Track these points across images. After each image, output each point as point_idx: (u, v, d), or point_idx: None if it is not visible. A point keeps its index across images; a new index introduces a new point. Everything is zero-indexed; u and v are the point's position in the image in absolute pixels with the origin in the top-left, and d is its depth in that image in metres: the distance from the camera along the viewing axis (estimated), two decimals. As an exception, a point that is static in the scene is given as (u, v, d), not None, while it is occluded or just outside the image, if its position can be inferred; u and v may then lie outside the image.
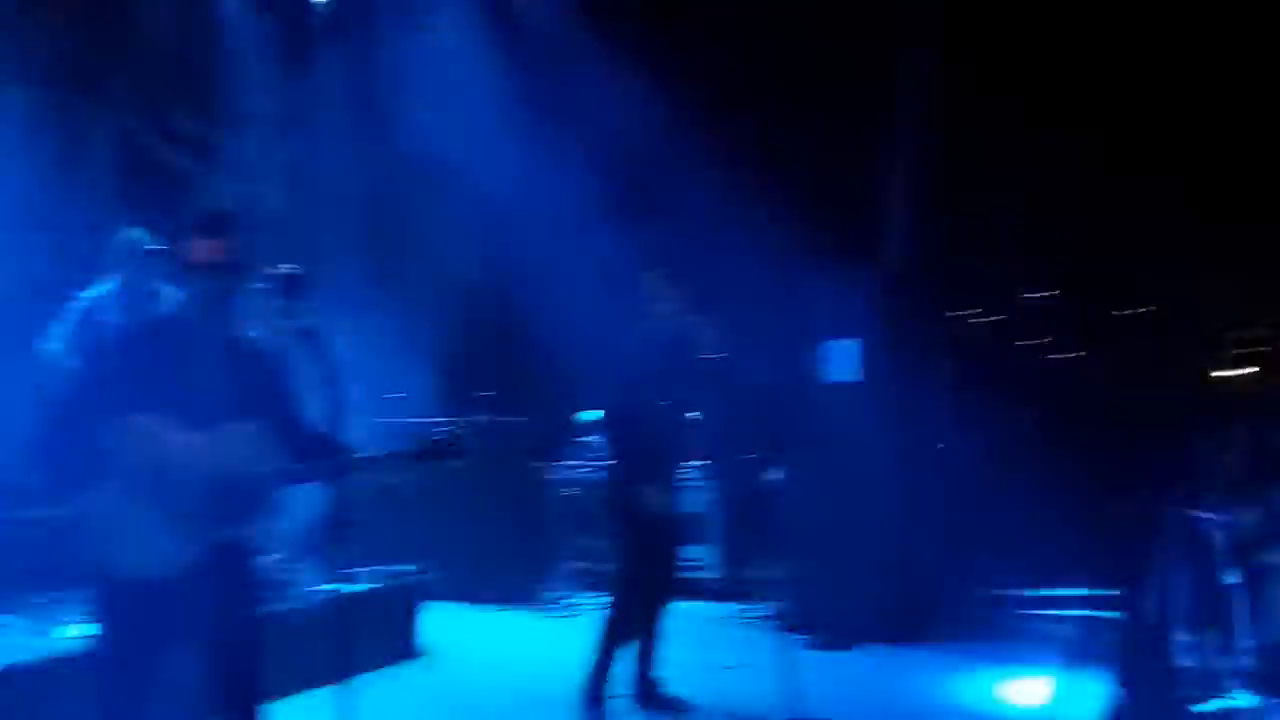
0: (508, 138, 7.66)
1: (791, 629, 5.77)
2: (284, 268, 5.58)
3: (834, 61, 7.37)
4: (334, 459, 3.24)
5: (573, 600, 7.14)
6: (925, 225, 7.41)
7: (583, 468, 7.63)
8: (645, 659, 5.12)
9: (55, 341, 5.39)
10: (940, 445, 6.86)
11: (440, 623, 6.36)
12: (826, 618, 6.23)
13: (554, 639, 6.46)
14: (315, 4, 8.07)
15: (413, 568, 6.28)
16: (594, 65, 7.62)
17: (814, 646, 6.02)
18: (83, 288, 5.58)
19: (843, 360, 6.54)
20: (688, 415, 5.37)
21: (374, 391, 6.37)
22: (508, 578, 7.17)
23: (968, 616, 6.62)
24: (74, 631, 4.88)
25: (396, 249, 7.92)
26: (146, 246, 5.47)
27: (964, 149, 7.26)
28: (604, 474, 5.44)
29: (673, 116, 7.44)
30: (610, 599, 5.09)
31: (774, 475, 6.74)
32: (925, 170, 7.43)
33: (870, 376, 6.49)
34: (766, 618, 6.30)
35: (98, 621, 3.16)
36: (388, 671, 5.58)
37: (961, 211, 7.39)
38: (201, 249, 3.12)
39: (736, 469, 7.25)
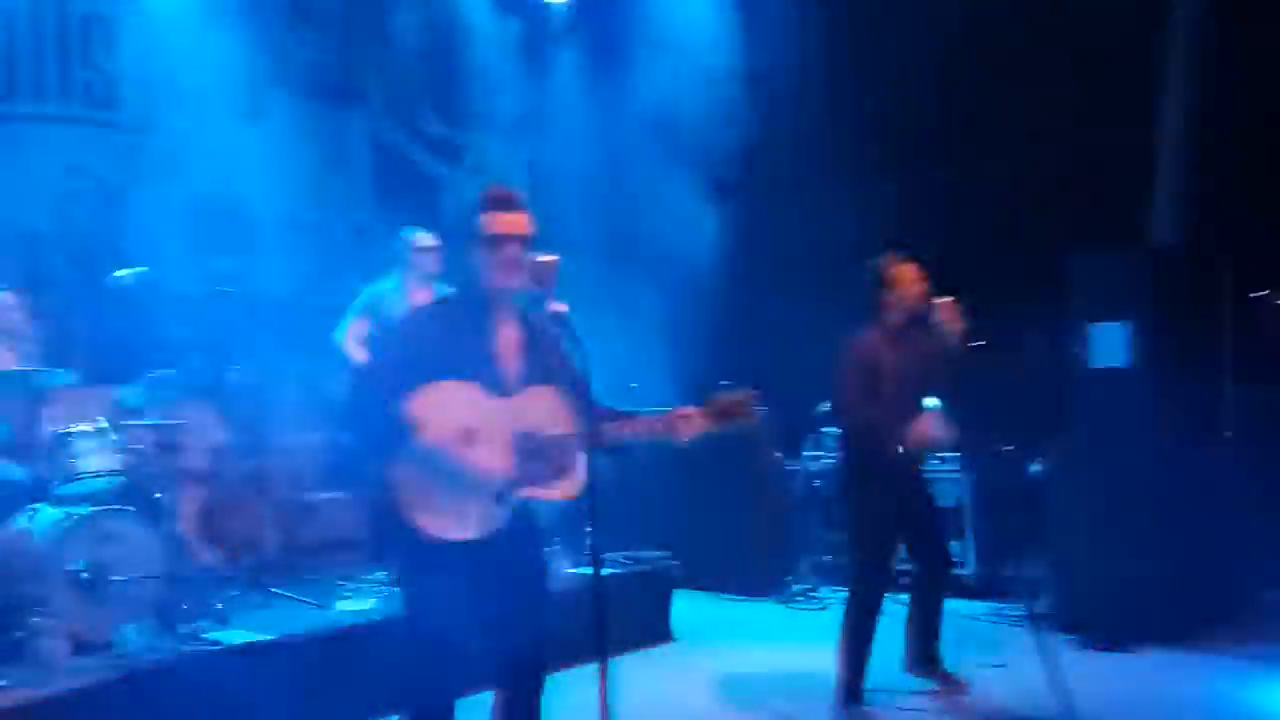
0: (746, 124, 7.58)
1: (1056, 628, 5.42)
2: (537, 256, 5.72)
3: (1096, 26, 6.88)
4: (625, 421, 3.28)
5: (818, 593, 6.99)
6: (1199, 200, 6.81)
7: (825, 459, 7.46)
8: (919, 637, 4.96)
9: (341, 332, 5.78)
10: (1227, 434, 6.28)
11: (689, 610, 6.40)
12: (1095, 617, 5.80)
13: (802, 630, 6.35)
14: (553, 6, 8.26)
15: (662, 554, 6.33)
16: (828, 38, 7.43)
17: (1081, 647, 5.63)
18: (362, 283, 5.96)
19: (1110, 344, 6.09)
20: (928, 404, 5.06)
21: (613, 382, 6.46)
22: (752, 569, 7.10)
23: (1255, 620, 6.07)
24: (354, 604, 5.18)
25: (635, 240, 7.97)
26: (423, 244, 5.77)
27: (1248, 111, 6.62)
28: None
29: (923, 88, 7.16)
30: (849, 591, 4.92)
31: (1037, 467, 6.36)
32: (1198, 139, 6.84)
33: (1142, 362, 6.00)
34: (1027, 616, 5.93)
35: (403, 586, 3.25)
36: (642, 654, 5.69)
37: (1245, 184, 6.74)
38: (498, 223, 3.18)
39: (992, 461, 6.89)
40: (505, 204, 3.23)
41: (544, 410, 3.19)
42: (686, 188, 7.93)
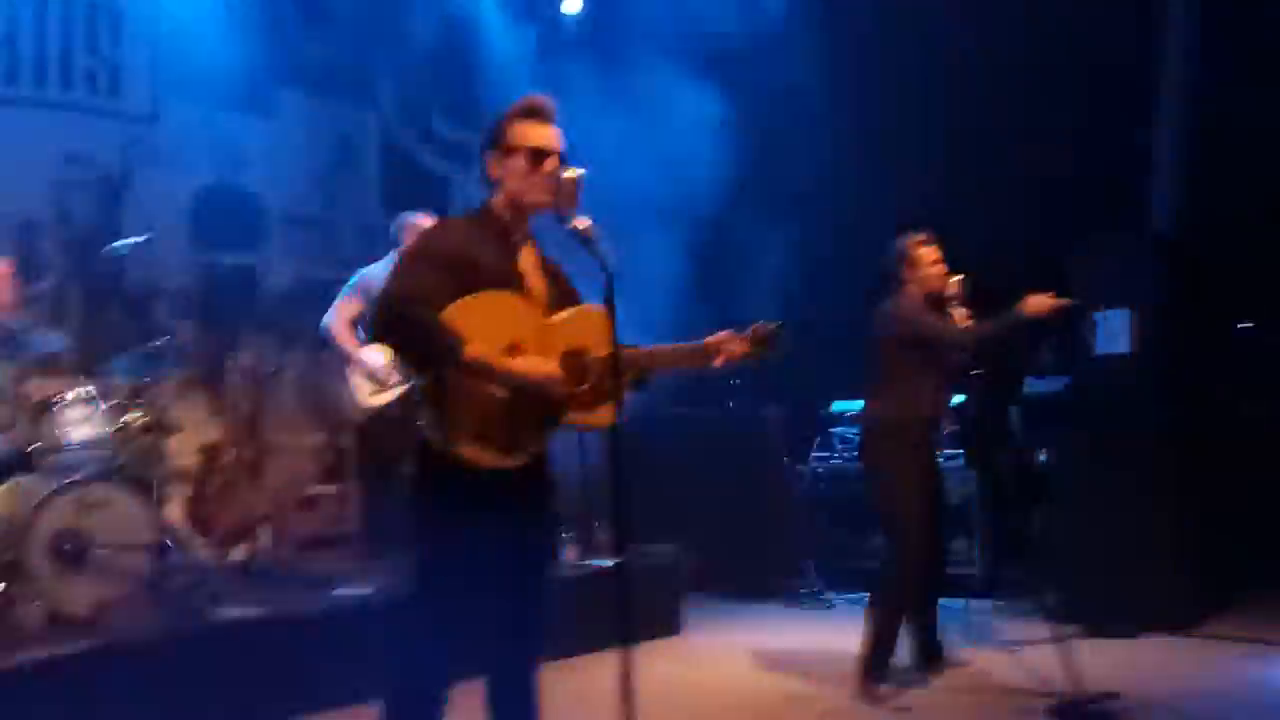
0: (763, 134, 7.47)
1: (1067, 618, 5.31)
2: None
3: (1096, 22, 6.85)
4: (655, 349, 3.06)
5: (825, 595, 6.74)
6: (1198, 187, 6.73)
7: (833, 459, 7.26)
8: (922, 634, 4.87)
9: (330, 314, 5.53)
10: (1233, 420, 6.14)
11: (695, 609, 6.26)
12: (1106, 605, 5.60)
13: (810, 627, 6.18)
14: (567, 16, 8.21)
15: (673, 548, 6.12)
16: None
17: (1093, 635, 5.43)
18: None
19: (1114, 331, 5.97)
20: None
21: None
22: (759, 570, 6.89)
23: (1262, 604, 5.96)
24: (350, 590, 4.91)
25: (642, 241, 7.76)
26: (419, 224, 5.53)
27: (1243, 102, 6.55)
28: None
29: (932, 82, 7.10)
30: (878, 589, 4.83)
31: (1041, 457, 6.21)
32: (1195, 128, 6.76)
33: (1146, 347, 5.87)
34: (1037, 607, 5.74)
35: (425, 531, 2.93)
36: (650, 645, 5.50)
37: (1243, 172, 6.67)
38: (533, 135, 2.95)
39: (997, 452, 6.71)
40: (540, 114, 2.99)
41: (589, 328, 2.94)
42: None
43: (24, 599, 4.18)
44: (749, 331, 3.09)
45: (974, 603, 6.28)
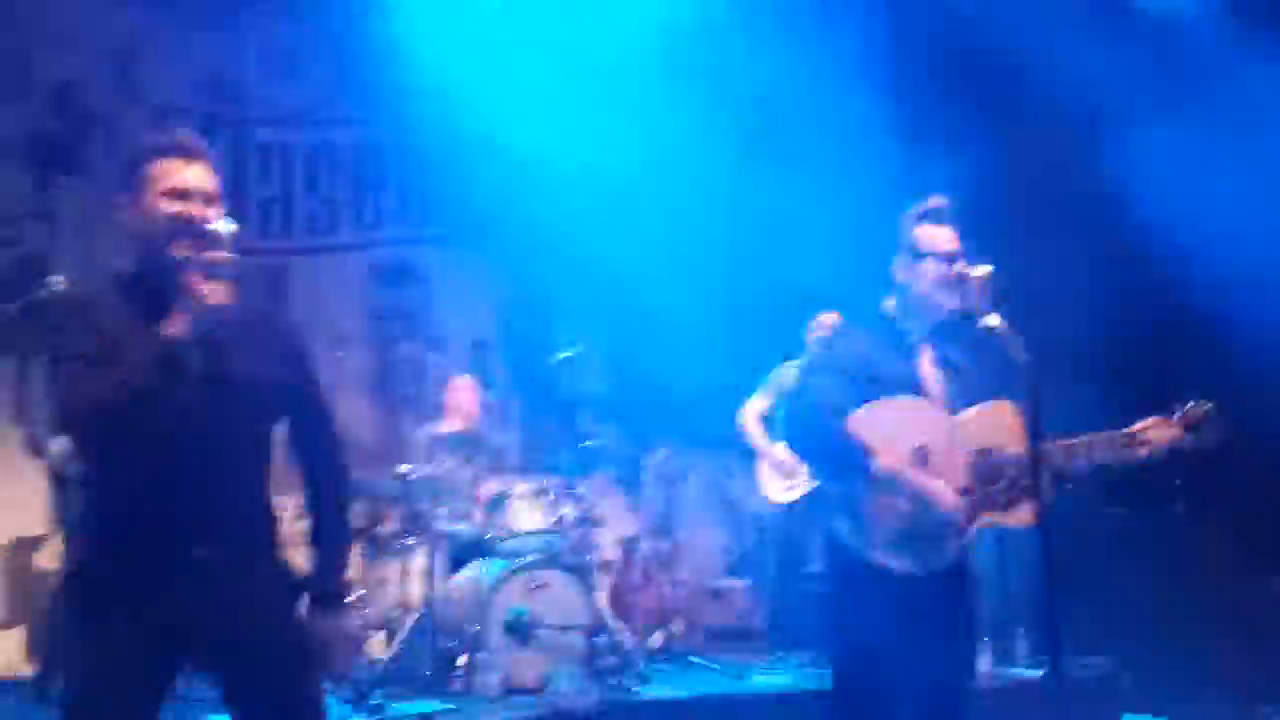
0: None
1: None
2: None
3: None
4: (1075, 440, 2.96)
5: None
6: None
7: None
8: None
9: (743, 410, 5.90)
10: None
11: None
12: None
13: None
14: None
15: (1107, 661, 5.69)
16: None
17: None
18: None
19: None
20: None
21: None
22: (1223, 695, 6.14)
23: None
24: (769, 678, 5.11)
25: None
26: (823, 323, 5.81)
27: None
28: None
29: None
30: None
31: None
32: None
33: None
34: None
35: (838, 611, 3.03)
36: None
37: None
38: (928, 237, 3.05)
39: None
40: (940, 216, 3.10)
41: (999, 425, 2.96)
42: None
43: (485, 668, 4.75)
44: (1177, 415, 2.97)
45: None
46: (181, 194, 2.28)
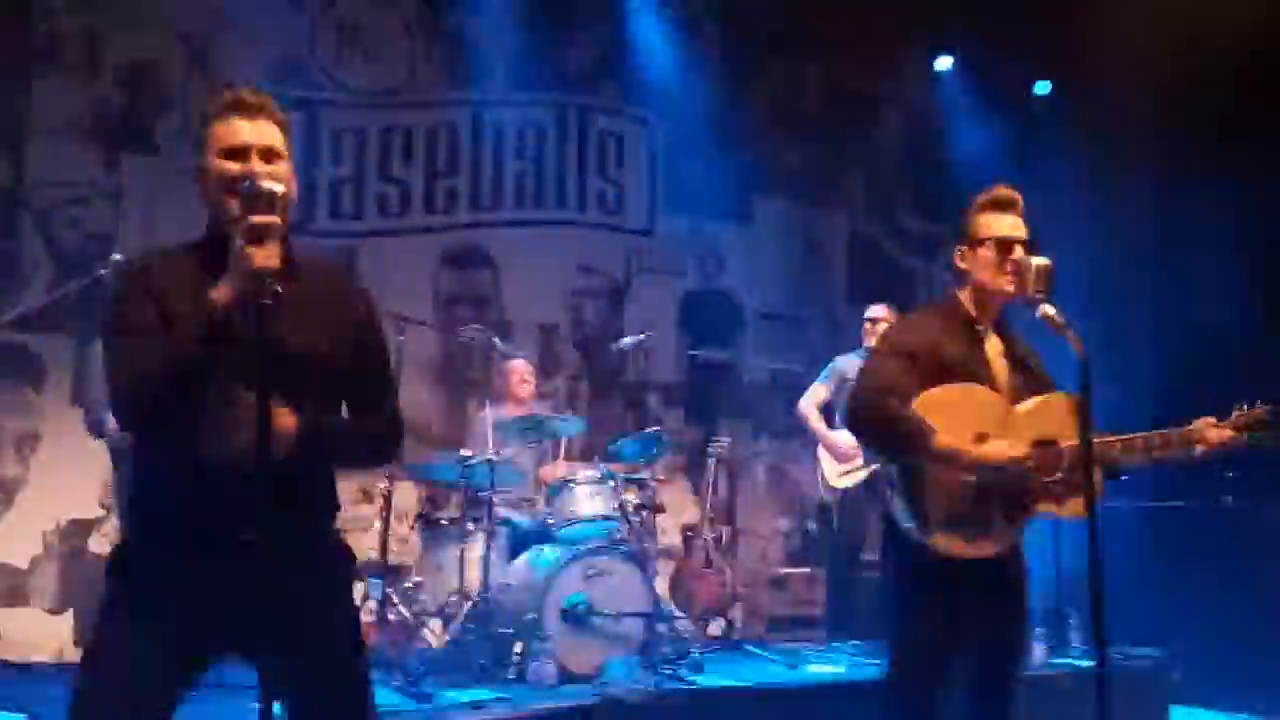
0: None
1: None
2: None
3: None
4: (1129, 437, 2.95)
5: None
6: None
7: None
8: None
9: (804, 400, 5.90)
10: None
11: None
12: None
13: None
14: (1036, 97, 8.06)
15: (1157, 652, 5.59)
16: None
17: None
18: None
19: None
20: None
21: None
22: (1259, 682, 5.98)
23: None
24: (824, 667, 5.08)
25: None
26: (875, 315, 5.77)
27: None
28: None
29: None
30: None
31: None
32: None
33: None
34: None
35: (895, 594, 3.07)
36: None
37: None
38: (997, 225, 3.05)
39: None
40: (1006, 205, 3.09)
41: (1056, 417, 2.95)
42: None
43: (541, 656, 4.77)
44: (1233, 416, 2.94)
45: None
46: (238, 152, 2.20)
